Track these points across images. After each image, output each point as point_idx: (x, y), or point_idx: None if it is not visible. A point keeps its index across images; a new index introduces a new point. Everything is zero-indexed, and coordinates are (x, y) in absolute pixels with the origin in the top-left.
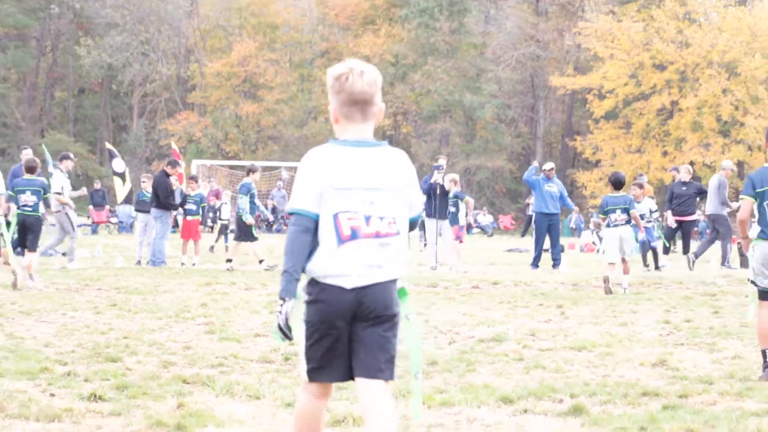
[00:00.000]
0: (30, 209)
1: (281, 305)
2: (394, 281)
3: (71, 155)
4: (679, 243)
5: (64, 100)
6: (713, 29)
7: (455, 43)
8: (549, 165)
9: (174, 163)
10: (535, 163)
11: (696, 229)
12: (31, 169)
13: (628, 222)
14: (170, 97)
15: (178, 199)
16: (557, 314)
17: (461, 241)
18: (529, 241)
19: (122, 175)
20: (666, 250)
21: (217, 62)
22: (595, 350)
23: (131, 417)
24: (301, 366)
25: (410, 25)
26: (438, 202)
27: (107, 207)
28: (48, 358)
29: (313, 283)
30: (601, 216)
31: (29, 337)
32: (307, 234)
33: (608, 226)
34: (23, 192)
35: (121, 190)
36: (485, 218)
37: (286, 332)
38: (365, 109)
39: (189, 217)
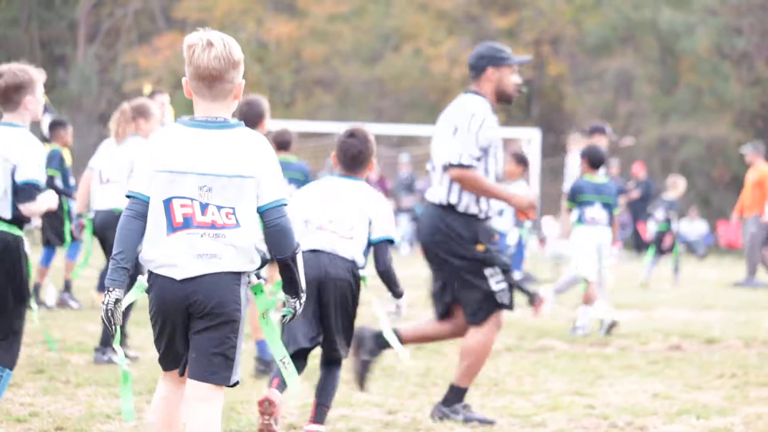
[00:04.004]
0: None
1: (107, 295)
2: (233, 275)
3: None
4: None
5: None
6: None
7: None
8: None
9: None
10: None
11: None
12: (283, 144)
13: (610, 223)
14: (144, 8)
15: None
16: None
17: None
18: None
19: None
20: None
21: None
22: None
23: None
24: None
25: None
26: None
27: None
28: None
29: (148, 273)
30: (567, 204)
31: None
32: (140, 219)
33: (580, 221)
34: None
35: None
36: (694, 227)
37: (109, 325)
38: (213, 86)
39: None
